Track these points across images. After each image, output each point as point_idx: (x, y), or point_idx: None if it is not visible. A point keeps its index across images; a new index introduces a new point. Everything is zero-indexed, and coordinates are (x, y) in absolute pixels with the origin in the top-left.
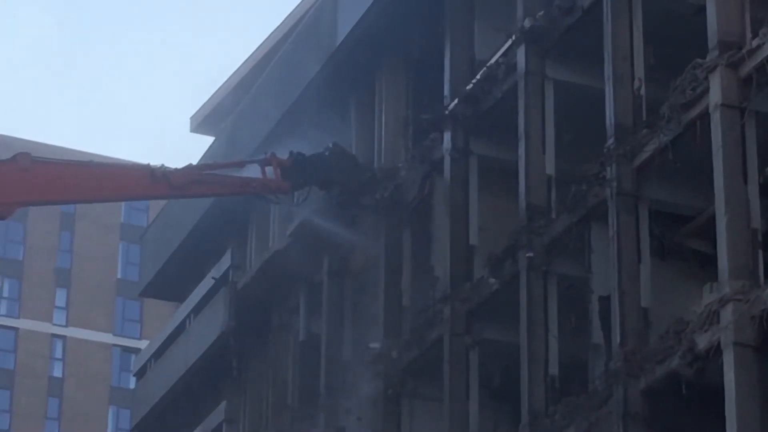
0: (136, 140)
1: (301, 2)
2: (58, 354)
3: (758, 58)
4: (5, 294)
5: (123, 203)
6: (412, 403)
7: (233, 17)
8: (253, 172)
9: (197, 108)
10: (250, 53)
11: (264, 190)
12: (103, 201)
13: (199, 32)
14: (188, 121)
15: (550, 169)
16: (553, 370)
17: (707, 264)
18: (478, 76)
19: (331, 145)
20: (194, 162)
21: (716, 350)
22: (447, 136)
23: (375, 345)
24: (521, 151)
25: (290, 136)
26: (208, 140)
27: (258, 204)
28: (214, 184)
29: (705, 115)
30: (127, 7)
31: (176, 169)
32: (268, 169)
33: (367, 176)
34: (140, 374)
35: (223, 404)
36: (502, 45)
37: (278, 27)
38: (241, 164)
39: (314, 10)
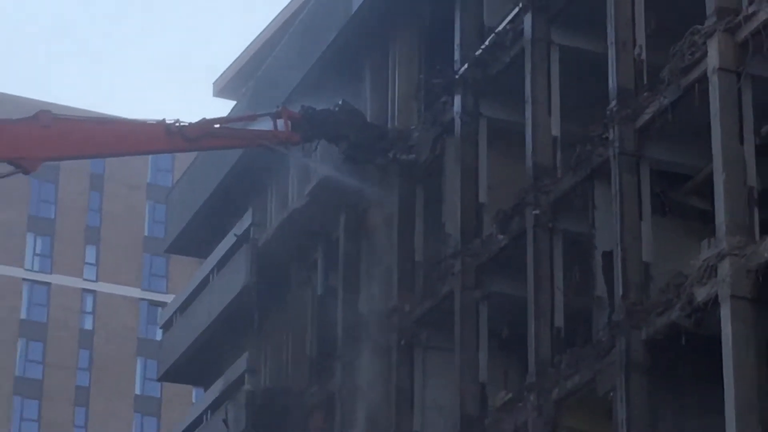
0: (161, 104)
1: None
2: (88, 308)
3: (754, 24)
4: (38, 251)
5: (149, 164)
6: (425, 353)
7: None
8: (265, 126)
9: (219, 73)
10: (271, 20)
11: (274, 141)
12: (121, 155)
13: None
14: (211, 86)
15: (555, 130)
16: (559, 322)
17: (705, 220)
18: (486, 42)
19: (341, 102)
20: None
21: (714, 303)
22: (457, 100)
23: None
24: (528, 113)
25: (308, 100)
26: (230, 104)
27: (278, 164)
28: (227, 137)
29: (703, 79)
30: None
31: (190, 124)
32: (279, 122)
33: (374, 132)
34: (166, 327)
35: (245, 355)
36: (510, 12)
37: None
38: (252, 118)
39: None
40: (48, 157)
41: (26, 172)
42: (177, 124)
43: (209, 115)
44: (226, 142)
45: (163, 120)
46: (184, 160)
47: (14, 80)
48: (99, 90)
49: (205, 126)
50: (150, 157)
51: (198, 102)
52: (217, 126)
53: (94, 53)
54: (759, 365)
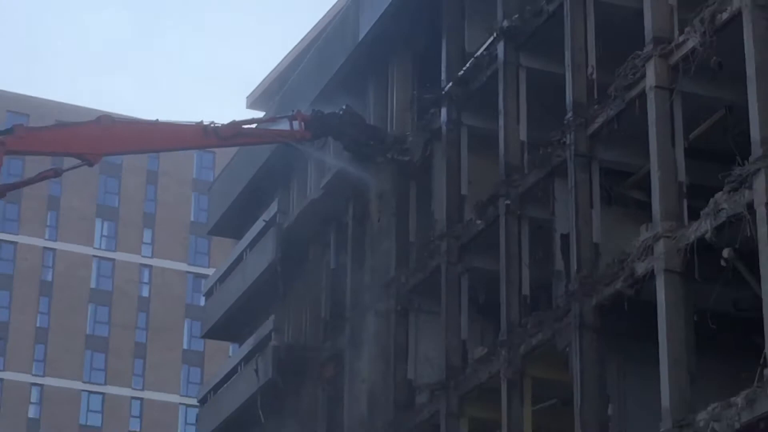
0: (202, 114)
1: (332, 7)
2: (145, 279)
3: (683, 50)
4: (104, 233)
5: (194, 162)
6: (417, 316)
7: (277, 19)
8: (283, 126)
9: (252, 89)
10: (294, 45)
11: (291, 138)
12: (166, 151)
13: (250, 29)
14: (245, 99)
15: (523, 136)
16: (525, 290)
17: (644, 209)
18: (467, 65)
19: (344, 106)
20: None
21: (651, 275)
22: (443, 111)
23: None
24: (501, 122)
25: (322, 109)
26: (261, 114)
27: (299, 162)
28: (253, 136)
29: (642, 95)
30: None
31: (223, 125)
32: (295, 123)
33: (371, 130)
34: (208, 294)
35: (272, 318)
36: (486, 41)
37: (314, 26)
38: (273, 120)
39: (341, 14)
40: (107, 152)
41: (90, 165)
42: (212, 125)
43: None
44: (252, 140)
45: (201, 122)
46: (223, 159)
47: (73, 91)
48: (147, 101)
49: (235, 126)
50: (195, 156)
51: (234, 113)
52: (244, 126)
53: (141, 69)
54: (686, 326)
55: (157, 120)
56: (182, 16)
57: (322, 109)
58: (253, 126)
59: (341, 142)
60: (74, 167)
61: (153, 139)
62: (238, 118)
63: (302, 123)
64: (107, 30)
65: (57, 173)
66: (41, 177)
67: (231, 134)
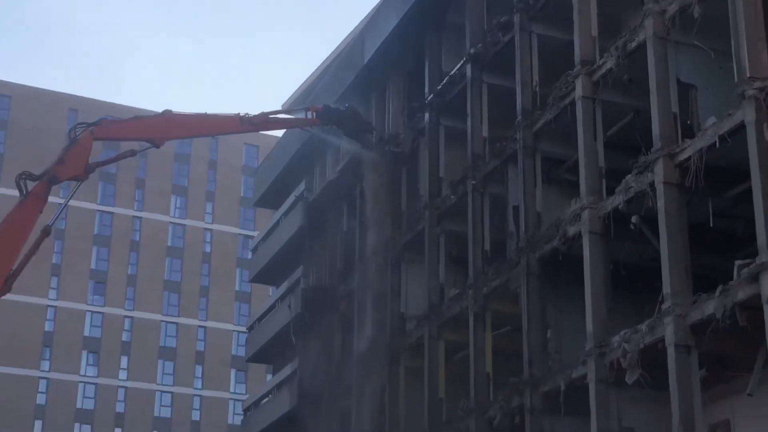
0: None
1: (344, 38)
2: (208, 239)
3: (603, 70)
4: (177, 206)
5: (243, 153)
6: (407, 266)
7: (304, 46)
8: (299, 115)
9: (286, 98)
10: (318, 65)
11: (305, 125)
12: (212, 135)
13: (285, 53)
14: (280, 107)
15: (485, 133)
16: (487, 247)
17: (574, 187)
18: (444, 81)
19: (347, 105)
20: None
21: (579, 236)
22: (426, 115)
23: None
24: (469, 123)
25: None
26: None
27: (321, 153)
28: (277, 122)
29: (573, 103)
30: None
31: (255, 115)
32: (309, 114)
33: (364, 122)
34: (254, 250)
35: (301, 267)
36: (458, 63)
37: (332, 52)
38: (291, 110)
39: (351, 44)
40: (169, 137)
41: (157, 147)
42: (246, 115)
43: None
44: (276, 126)
45: (238, 113)
46: (264, 150)
47: (131, 93)
48: (199, 104)
49: (263, 116)
50: (244, 147)
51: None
52: (271, 116)
53: (196, 81)
54: (605, 273)
55: (206, 112)
56: (235, 45)
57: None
58: (277, 115)
59: (342, 129)
60: (145, 149)
61: (203, 127)
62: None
63: (314, 113)
64: (173, 51)
65: (133, 153)
66: (121, 156)
67: (260, 121)
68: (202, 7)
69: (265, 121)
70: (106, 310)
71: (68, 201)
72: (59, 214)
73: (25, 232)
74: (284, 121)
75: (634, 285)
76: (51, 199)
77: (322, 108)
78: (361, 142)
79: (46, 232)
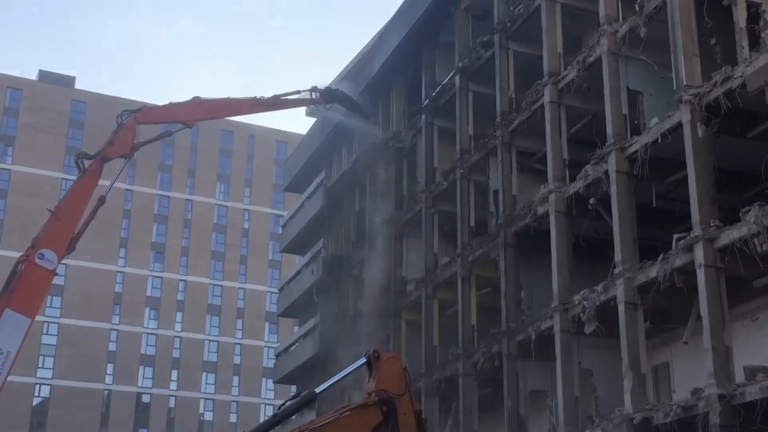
0: (272, 117)
1: (356, 54)
2: (246, 217)
3: (566, 80)
4: (221, 191)
5: (275, 147)
6: (408, 239)
7: (321, 61)
8: (305, 95)
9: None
10: (333, 78)
11: (310, 103)
12: (236, 116)
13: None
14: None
15: (471, 131)
16: (472, 223)
17: (543, 175)
18: (437, 89)
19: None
20: None
21: (546, 214)
22: (423, 117)
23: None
24: (457, 124)
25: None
26: (314, 119)
27: (338, 149)
28: (288, 102)
29: (542, 107)
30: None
31: (269, 97)
32: (314, 94)
33: (360, 106)
34: (284, 226)
35: (321, 240)
36: (449, 74)
37: (346, 65)
38: (298, 92)
39: (362, 59)
40: (200, 119)
41: (190, 127)
42: (262, 97)
43: (301, 121)
44: (287, 105)
45: (254, 96)
46: (292, 146)
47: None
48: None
49: (275, 97)
50: (276, 143)
51: (299, 114)
52: (282, 97)
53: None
54: (567, 244)
55: (228, 97)
56: (265, 66)
57: (330, 87)
58: (287, 96)
59: (342, 105)
60: (180, 130)
61: (227, 109)
62: (300, 122)
63: (317, 93)
64: (214, 77)
65: (169, 134)
66: (160, 137)
67: (274, 102)
68: (239, 31)
69: (277, 101)
70: (165, 274)
71: (119, 173)
72: (112, 185)
73: (84, 203)
74: (294, 101)
75: (591, 254)
76: (106, 180)
77: (324, 89)
78: (359, 113)
79: (101, 201)
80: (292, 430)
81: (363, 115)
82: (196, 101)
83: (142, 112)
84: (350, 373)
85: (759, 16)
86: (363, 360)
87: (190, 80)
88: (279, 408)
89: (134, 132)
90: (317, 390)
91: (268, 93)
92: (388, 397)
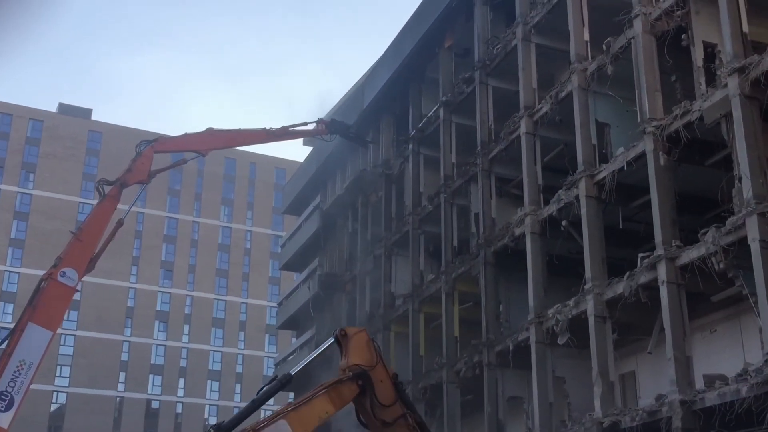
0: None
1: (349, 89)
2: (248, 238)
3: (541, 112)
4: (225, 213)
5: (274, 174)
6: (396, 258)
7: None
8: (311, 127)
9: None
10: (327, 111)
11: (316, 134)
12: (246, 145)
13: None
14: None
15: (454, 159)
16: (455, 243)
17: (520, 199)
18: (423, 120)
19: (331, 119)
20: None
21: (523, 235)
22: (410, 146)
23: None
24: (441, 152)
25: None
26: (310, 148)
27: (332, 175)
28: (295, 133)
29: (518, 137)
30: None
31: (277, 128)
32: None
33: (359, 137)
34: (283, 246)
35: (317, 259)
36: (433, 107)
37: (341, 98)
38: (305, 124)
39: (355, 91)
40: (213, 148)
41: (203, 156)
42: (271, 129)
43: (299, 150)
44: (295, 136)
45: (264, 128)
46: (290, 172)
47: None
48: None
49: (284, 128)
50: (275, 171)
51: (294, 147)
52: (290, 129)
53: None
54: (542, 262)
55: (239, 128)
56: (265, 99)
57: (335, 119)
58: (294, 128)
59: (345, 135)
60: (194, 158)
61: (238, 139)
62: (299, 147)
63: (323, 125)
64: (209, 99)
65: (185, 162)
66: (176, 164)
67: (282, 133)
68: (239, 59)
69: (285, 132)
70: (173, 290)
71: (137, 198)
72: (130, 209)
73: (104, 225)
74: (300, 132)
75: (564, 272)
76: (124, 205)
77: (330, 120)
78: (358, 143)
79: (119, 224)
80: (273, 413)
81: (363, 143)
82: (210, 132)
83: (159, 142)
84: (321, 352)
85: (715, 56)
86: (331, 339)
87: (194, 112)
88: (257, 393)
89: (151, 160)
90: (292, 372)
91: (267, 123)
92: (362, 370)
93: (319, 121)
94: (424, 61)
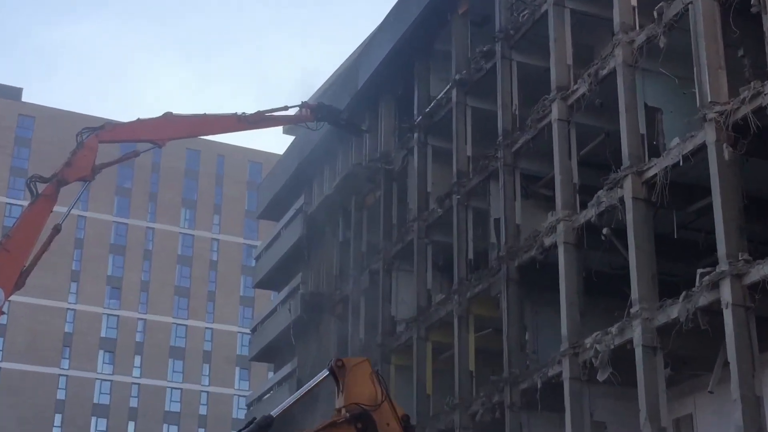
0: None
1: (343, 62)
2: (215, 248)
3: (577, 94)
4: (187, 218)
5: (248, 168)
6: (397, 273)
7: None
8: (293, 112)
9: None
10: (315, 90)
11: (299, 121)
12: (213, 134)
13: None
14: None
15: (469, 152)
16: (470, 256)
17: (550, 201)
18: (431, 104)
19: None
20: None
21: (554, 246)
22: (415, 135)
23: None
24: (454, 143)
25: None
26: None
27: (319, 171)
28: (274, 120)
29: (549, 124)
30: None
31: (251, 113)
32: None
33: (352, 124)
34: (257, 258)
35: (300, 274)
36: (444, 88)
37: (328, 78)
38: (285, 108)
39: (346, 69)
40: (171, 137)
41: (159, 147)
42: (243, 114)
43: (278, 139)
44: (273, 123)
45: (235, 112)
46: (267, 166)
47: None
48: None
49: (260, 114)
50: (249, 164)
51: (272, 136)
52: (267, 114)
53: (194, 104)
54: (578, 280)
55: (205, 113)
56: (235, 74)
57: (323, 103)
58: (272, 113)
59: (334, 124)
60: (149, 150)
61: (202, 126)
62: (278, 136)
63: (308, 110)
64: (171, 72)
65: (137, 154)
66: (126, 157)
67: (257, 119)
68: (200, 30)
69: (261, 118)
70: (122, 312)
71: (78, 199)
72: (69, 212)
73: (37, 232)
74: (280, 118)
75: (604, 291)
76: (62, 206)
77: (316, 104)
78: (351, 132)
79: (56, 230)
80: None
81: (357, 133)
82: (168, 117)
83: (105, 130)
84: (310, 389)
85: None
86: (324, 373)
87: (149, 91)
88: None
89: (95, 152)
90: (273, 413)
91: (238, 107)
92: (363, 410)
93: (303, 106)
94: (433, 31)
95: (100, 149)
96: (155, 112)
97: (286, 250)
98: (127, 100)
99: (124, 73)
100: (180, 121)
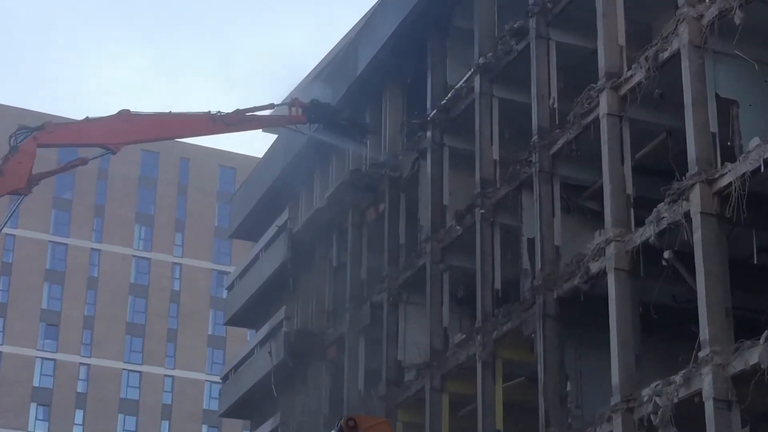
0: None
1: (337, 43)
2: (177, 275)
3: (631, 83)
4: (142, 236)
5: (218, 177)
6: (405, 307)
7: (290, 51)
8: (281, 112)
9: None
10: (303, 77)
11: (289, 123)
12: (180, 138)
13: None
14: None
15: (495, 155)
16: (497, 286)
17: (597, 217)
18: (449, 95)
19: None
20: None
21: (603, 273)
22: (428, 134)
23: None
24: (477, 144)
25: None
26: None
27: (307, 179)
28: (256, 122)
29: (596, 121)
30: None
31: (229, 113)
32: (293, 111)
33: (353, 121)
34: (230, 288)
35: (283, 308)
36: (465, 75)
37: (322, 60)
38: (271, 107)
39: (343, 50)
40: (128, 141)
41: (113, 153)
42: (218, 114)
43: (255, 139)
44: (255, 125)
45: (209, 111)
46: (242, 173)
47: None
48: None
49: (239, 114)
50: (219, 170)
51: (248, 136)
52: (248, 114)
53: (160, 93)
54: (633, 316)
55: (170, 111)
56: (210, 49)
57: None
58: (255, 113)
59: (332, 129)
60: (99, 156)
61: (167, 128)
62: (255, 135)
63: (299, 109)
64: (127, 71)
65: (84, 162)
66: (71, 166)
67: (236, 121)
68: (160, 11)
69: (240, 120)
70: (59, 356)
71: (11, 215)
72: (0, 230)
73: None
74: (264, 120)
75: (666, 329)
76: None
77: (309, 103)
78: (354, 136)
79: None
80: None
81: (361, 135)
82: (124, 116)
83: (45, 131)
84: None
85: None
86: None
87: (99, 84)
88: None
89: (33, 158)
90: None
91: (207, 99)
92: None
93: (293, 103)
94: (451, 4)
95: (39, 155)
96: (99, 105)
97: (266, 277)
98: (74, 93)
99: (70, 59)
100: (139, 122)
